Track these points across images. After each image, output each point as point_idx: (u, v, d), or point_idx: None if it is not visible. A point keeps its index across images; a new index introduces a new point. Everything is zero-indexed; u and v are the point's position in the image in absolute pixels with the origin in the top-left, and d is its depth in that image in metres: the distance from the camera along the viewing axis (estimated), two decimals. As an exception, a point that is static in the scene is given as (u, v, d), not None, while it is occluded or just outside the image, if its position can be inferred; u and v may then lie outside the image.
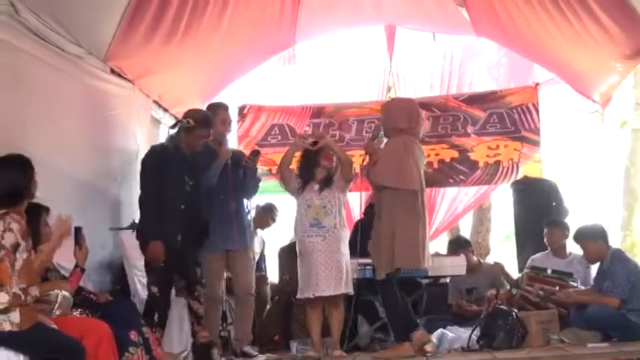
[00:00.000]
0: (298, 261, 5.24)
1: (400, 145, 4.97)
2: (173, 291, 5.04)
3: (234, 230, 5.31)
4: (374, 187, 5.23)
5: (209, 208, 5.18)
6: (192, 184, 5.00)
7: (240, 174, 5.45)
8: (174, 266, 4.91)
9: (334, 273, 5.08)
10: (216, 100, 6.55)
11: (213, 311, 5.29)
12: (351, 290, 5.18)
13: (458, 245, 6.53)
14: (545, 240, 6.10)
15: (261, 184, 5.75)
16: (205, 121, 5.09)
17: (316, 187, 5.25)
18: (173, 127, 5.41)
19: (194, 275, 5.07)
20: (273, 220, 7.02)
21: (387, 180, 4.93)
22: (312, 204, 5.21)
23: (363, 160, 5.23)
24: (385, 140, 5.16)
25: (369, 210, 5.16)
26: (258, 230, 6.76)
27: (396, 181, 4.91)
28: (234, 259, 5.36)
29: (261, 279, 6.43)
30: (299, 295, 5.22)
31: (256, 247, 6.39)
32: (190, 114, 5.11)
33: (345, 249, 5.20)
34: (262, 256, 6.91)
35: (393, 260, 4.86)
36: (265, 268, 6.95)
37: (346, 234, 5.26)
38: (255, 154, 5.58)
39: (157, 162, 4.96)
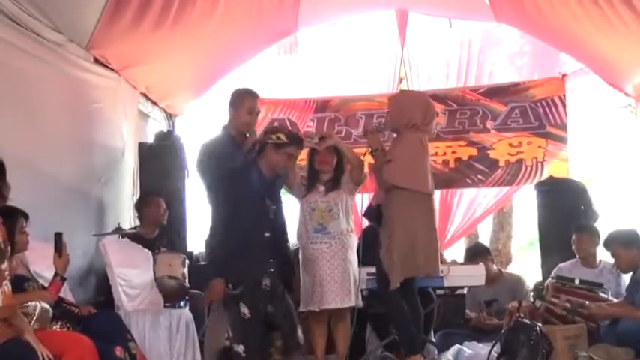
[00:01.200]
0: (301, 270, 5.23)
1: (417, 143, 4.93)
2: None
3: None
4: (383, 188, 5.14)
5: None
6: (275, 209, 4.65)
7: None
8: (265, 314, 4.49)
9: (341, 283, 5.07)
10: (209, 91, 6.54)
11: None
12: (359, 303, 5.16)
13: (476, 253, 6.50)
14: (572, 247, 6.06)
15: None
16: (298, 140, 4.77)
17: (322, 188, 5.23)
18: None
19: (290, 330, 4.58)
20: None
21: (403, 181, 4.88)
22: (316, 207, 5.19)
23: (365, 155, 5.16)
24: (395, 136, 5.12)
25: (376, 213, 5.10)
26: None
27: (411, 183, 4.87)
28: None
29: None
30: (301, 308, 5.18)
31: None
32: (279, 130, 4.82)
33: (354, 257, 5.18)
34: None
35: (415, 266, 4.83)
36: None
37: (354, 240, 5.24)
38: None
39: (234, 180, 4.59)
